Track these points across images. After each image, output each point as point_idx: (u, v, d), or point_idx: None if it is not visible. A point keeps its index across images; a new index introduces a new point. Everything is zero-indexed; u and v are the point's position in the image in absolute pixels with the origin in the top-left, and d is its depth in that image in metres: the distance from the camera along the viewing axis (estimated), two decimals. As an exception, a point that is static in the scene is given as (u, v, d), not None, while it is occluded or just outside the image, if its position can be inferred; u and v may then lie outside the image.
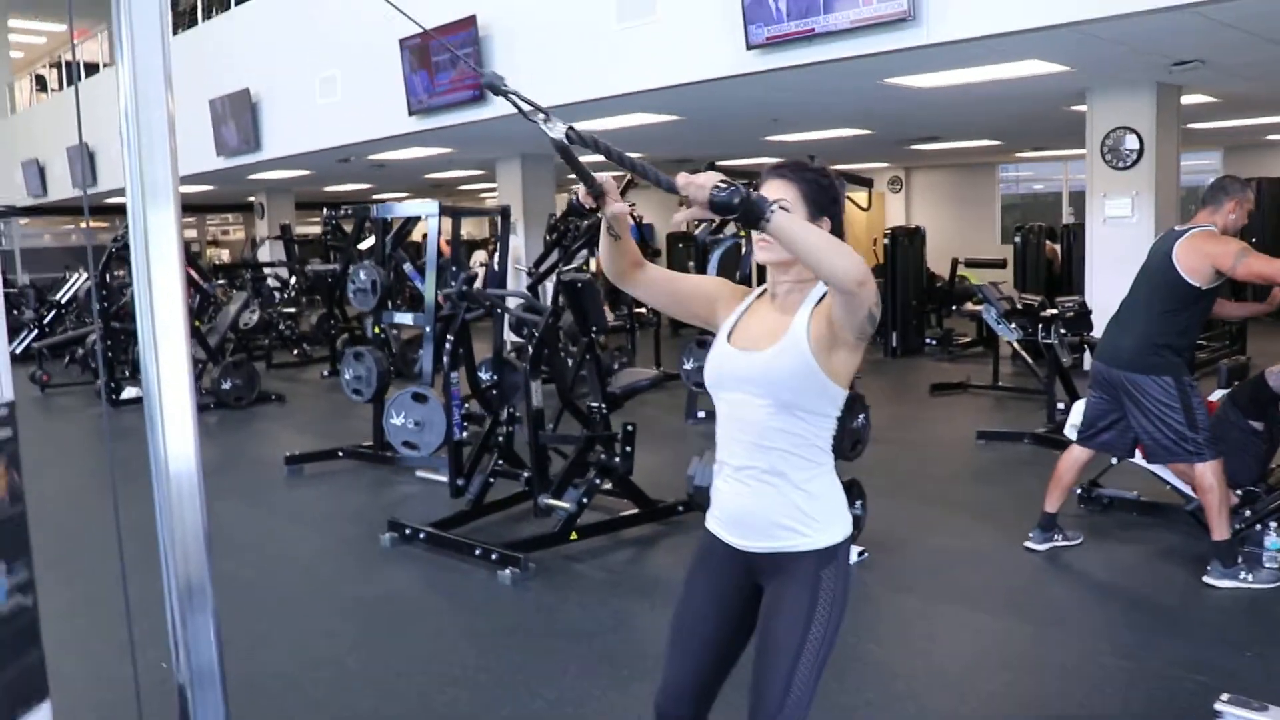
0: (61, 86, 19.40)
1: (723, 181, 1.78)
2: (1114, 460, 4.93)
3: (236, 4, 13.13)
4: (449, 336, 5.80)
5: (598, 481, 5.22)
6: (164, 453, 1.34)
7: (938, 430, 7.91)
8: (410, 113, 9.80)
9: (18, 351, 12.24)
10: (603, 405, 5.42)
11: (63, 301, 13.47)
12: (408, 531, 5.25)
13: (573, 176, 1.88)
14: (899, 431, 7.53)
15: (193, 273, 10.28)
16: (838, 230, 2.13)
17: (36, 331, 12.89)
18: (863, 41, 6.15)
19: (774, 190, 2.11)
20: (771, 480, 2.07)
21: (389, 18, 8.10)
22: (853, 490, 4.70)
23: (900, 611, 4.31)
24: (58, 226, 22.77)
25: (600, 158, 1.82)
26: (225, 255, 22.38)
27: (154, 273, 1.33)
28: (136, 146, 1.31)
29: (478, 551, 4.86)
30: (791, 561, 2.08)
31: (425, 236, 6.78)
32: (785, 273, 2.11)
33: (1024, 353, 8.34)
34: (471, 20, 8.78)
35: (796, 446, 2.06)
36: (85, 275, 13.48)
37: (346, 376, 6.86)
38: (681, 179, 1.81)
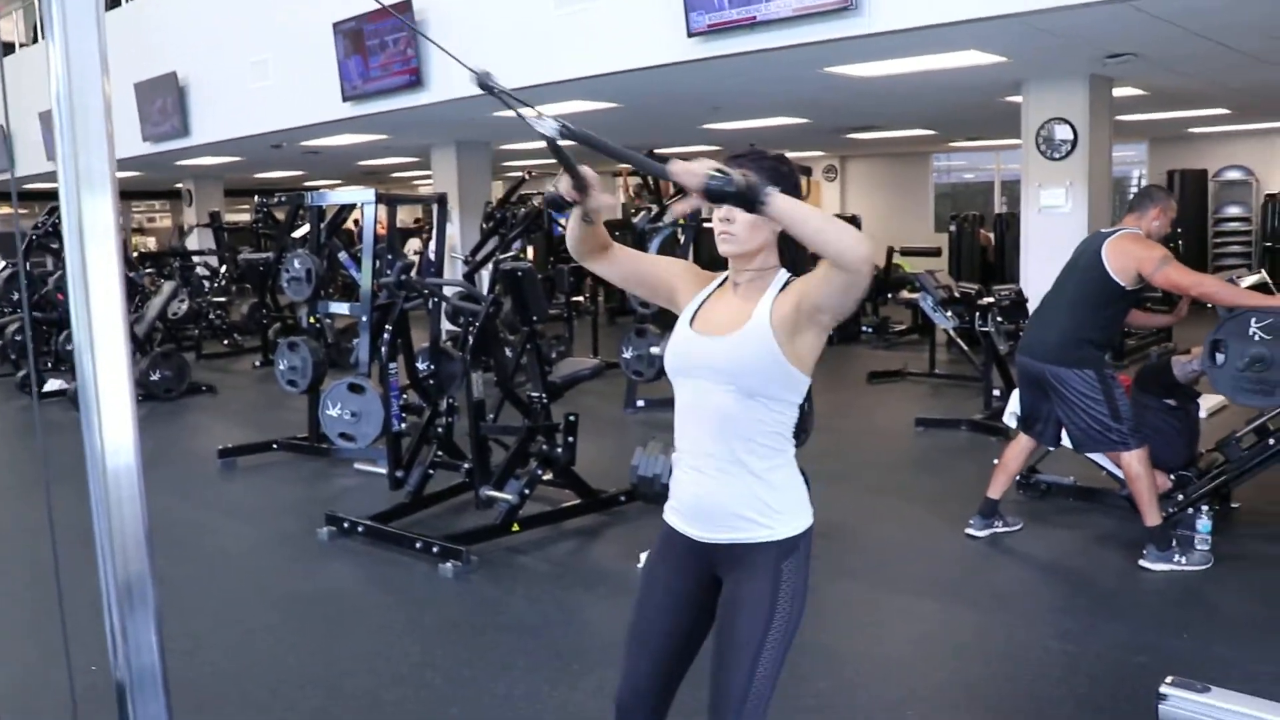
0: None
1: (716, 169, 1.77)
2: (1050, 447, 5.00)
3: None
4: (387, 326, 5.69)
5: (539, 472, 5.17)
6: (101, 447, 1.27)
7: (877, 418, 7.97)
8: (344, 98, 9.62)
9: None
10: (543, 395, 5.36)
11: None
12: (346, 525, 5.14)
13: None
14: (839, 419, 7.57)
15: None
16: None
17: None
18: (804, 30, 6.14)
19: None
20: (732, 469, 2.05)
21: (322, 0, 7.87)
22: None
23: (846, 599, 4.32)
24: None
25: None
26: (152, 243, 21.82)
27: (90, 262, 1.26)
28: (70, 132, 1.24)
29: (418, 544, 4.78)
30: (752, 553, 2.05)
31: (358, 224, 6.66)
32: (749, 263, 2.08)
33: (960, 340, 8.44)
34: (407, 4, 8.62)
35: (758, 434, 2.04)
36: (5, 263, 13.05)
37: (281, 367, 6.71)
38: (676, 167, 1.80)
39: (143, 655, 1.30)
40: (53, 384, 9.67)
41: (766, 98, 9.34)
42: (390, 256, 6.67)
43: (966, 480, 5.61)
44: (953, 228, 11.90)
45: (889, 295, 11.97)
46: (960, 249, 11.75)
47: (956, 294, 7.70)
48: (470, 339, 5.29)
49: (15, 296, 10.03)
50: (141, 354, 9.63)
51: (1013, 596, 4.35)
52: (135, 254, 14.86)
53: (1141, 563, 4.42)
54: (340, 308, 6.87)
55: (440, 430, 5.60)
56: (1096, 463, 5.06)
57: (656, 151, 7.72)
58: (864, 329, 11.70)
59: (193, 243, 16.40)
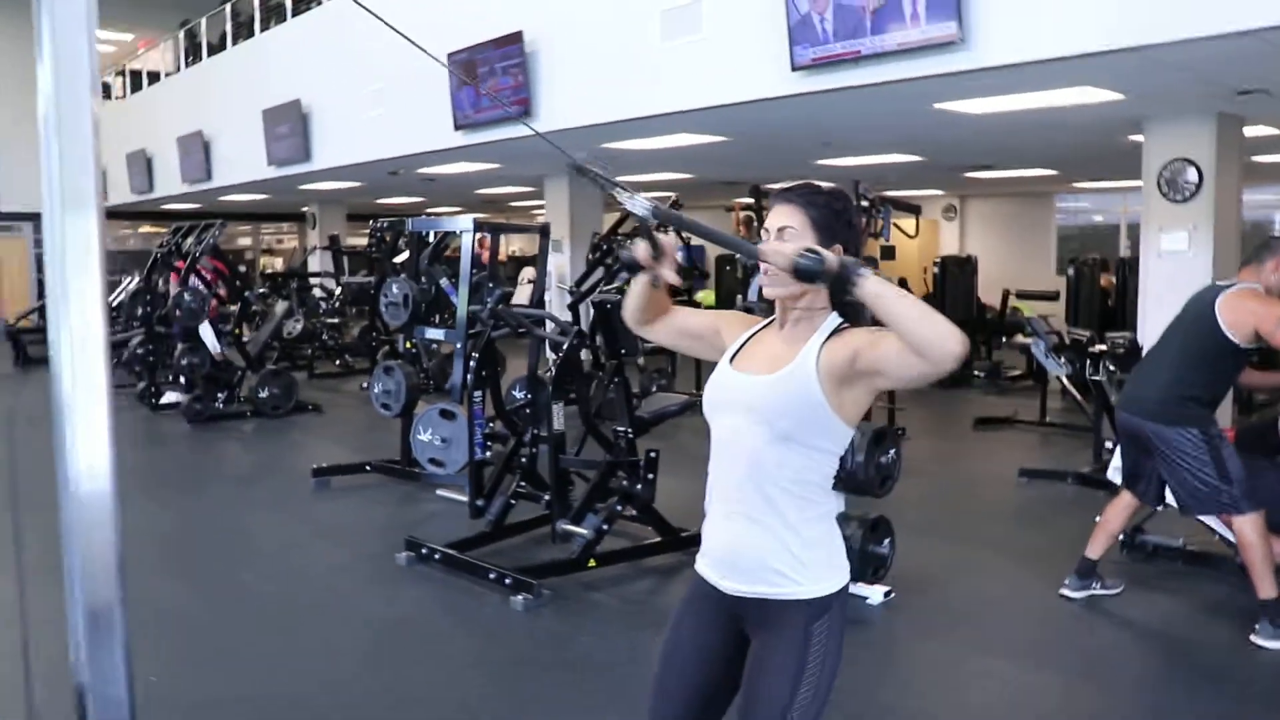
0: (126, 94, 19.70)
1: (808, 249, 1.75)
2: (1155, 507, 4.71)
3: (292, 15, 13.25)
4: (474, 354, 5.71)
5: (619, 508, 5.09)
6: (75, 470, 1.23)
7: (979, 466, 7.68)
8: (456, 127, 9.76)
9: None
10: (629, 430, 5.29)
11: (114, 305, 13.60)
12: (424, 551, 5.14)
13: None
14: (938, 466, 7.32)
15: (211, 275, 10.32)
16: (854, 254, 2.00)
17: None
18: (910, 64, 5.97)
19: (780, 217, 1.99)
20: (763, 518, 1.94)
21: (436, 30, 8.04)
22: (879, 528, 4.53)
23: (924, 658, 4.12)
24: (116, 231, 23.11)
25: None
26: (279, 264, 22.53)
27: (71, 283, 1.23)
28: (57, 152, 1.21)
29: (492, 575, 4.75)
30: (781, 611, 1.93)
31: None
32: (795, 303, 1.99)
33: (1073, 388, 8.09)
34: (518, 36, 8.73)
35: (792, 483, 1.93)
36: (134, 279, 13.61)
37: (376, 390, 6.80)
38: (767, 249, 1.83)
39: (109, 687, 1.25)
40: (170, 397, 10.02)
41: (877, 133, 9.15)
42: (491, 285, 6.73)
43: (1068, 537, 5.31)
44: (1070, 271, 11.44)
45: (1004, 339, 11.60)
46: (1079, 293, 11.30)
47: (1068, 340, 7.38)
48: (555, 370, 5.24)
49: (139, 312, 10.40)
50: (252, 372, 9.91)
51: (1105, 665, 4.08)
52: (260, 274, 15.31)
53: (1253, 638, 4.10)
54: (436, 334, 6.92)
55: (524, 460, 5.57)
56: (1208, 525, 4.74)
57: (763, 188, 7.61)
58: (976, 373, 11.36)
59: (315, 265, 16.89)
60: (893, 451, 4.54)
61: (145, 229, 21.36)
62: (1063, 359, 7.54)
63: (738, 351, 2.07)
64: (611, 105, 8.22)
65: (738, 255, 2.10)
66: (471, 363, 5.70)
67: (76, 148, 1.23)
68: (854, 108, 7.38)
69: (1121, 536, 4.99)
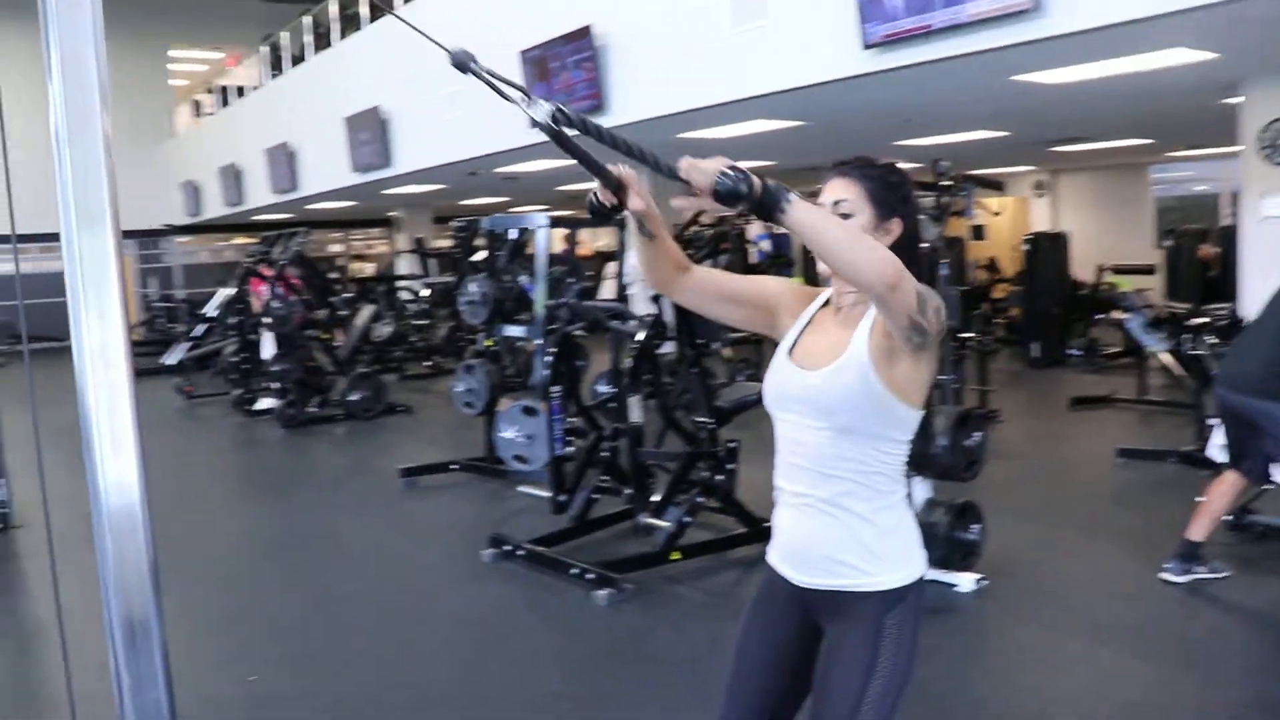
0: (216, 110, 20.27)
1: (730, 167, 1.55)
2: (1261, 486, 4.49)
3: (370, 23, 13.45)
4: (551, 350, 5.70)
5: (700, 499, 5.04)
6: (104, 484, 1.23)
7: (1076, 447, 7.45)
8: (531, 125, 9.79)
9: (172, 363, 12.73)
10: (709, 420, 5.23)
11: (210, 315, 13.96)
12: (508, 548, 5.16)
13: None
14: (1032, 447, 7.12)
15: (294, 284, 10.49)
16: (911, 233, 1.91)
17: (190, 344, 13.32)
18: (984, 36, 5.80)
19: (836, 190, 1.90)
20: (832, 511, 1.86)
21: (508, 29, 8.03)
22: (967, 513, 4.40)
23: (1016, 645, 4.00)
24: (212, 243, 23.80)
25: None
26: (370, 269, 22.94)
27: (90, 298, 1.22)
28: (69, 169, 1.21)
29: (574, 571, 4.74)
30: (854, 603, 1.86)
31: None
32: (849, 284, 1.88)
33: (1172, 364, 7.79)
34: (586, 30, 8.72)
35: (860, 475, 1.85)
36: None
37: (458, 389, 6.85)
38: (685, 163, 1.58)
39: (146, 693, 1.25)
40: (263, 402, 10.25)
41: (956, 110, 8.93)
42: (571, 280, 6.72)
43: (1169, 519, 5.09)
44: (1167, 243, 10.99)
45: (1098, 315, 11.24)
46: (1177, 266, 10.86)
47: (1165, 314, 7.10)
48: (631, 363, 5.20)
49: (232, 320, 10.66)
50: (342, 375, 10.09)
51: (1208, 653, 3.90)
52: (349, 279, 15.59)
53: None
54: (515, 331, 6.93)
55: (606, 454, 5.55)
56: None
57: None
58: (1071, 351, 11.02)
59: (404, 268, 17.17)
60: (978, 435, 4.43)
61: (239, 240, 21.93)
62: (1161, 334, 7.27)
63: (795, 341, 1.97)
64: (685, 94, 8.16)
65: (656, 171, 1.59)
66: (549, 359, 5.69)
67: (88, 163, 1.22)
68: (929, 84, 7.20)
69: (1228, 517, 4.77)
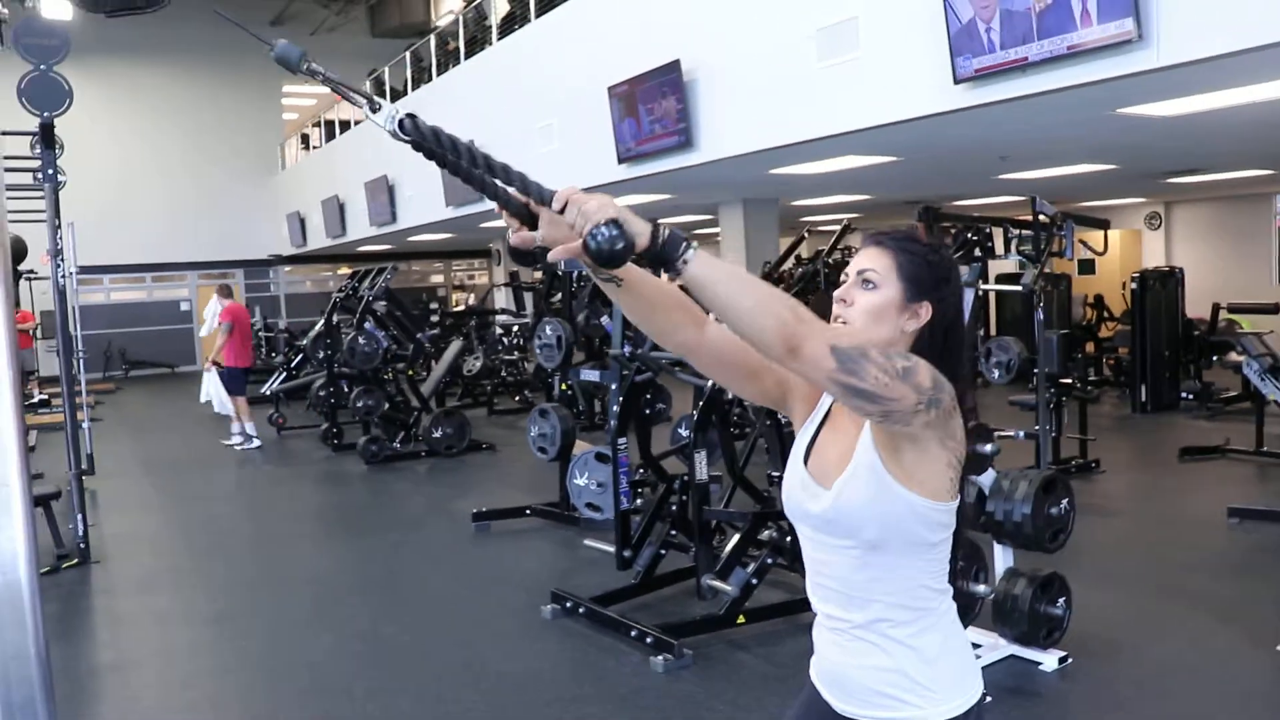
0: (322, 144, 20.73)
1: (610, 221, 1.28)
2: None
3: (465, 58, 13.57)
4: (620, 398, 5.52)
5: (769, 561, 4.78)
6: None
7: (1184, 503, 6.95)
8: (619, 160, 9.69)
9: (267, 393, 12.92)
10: (780, 476, 4.98)
11: (306, 346, 14.15)
12: (569, 604, 4.98)
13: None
14: (1134, 504, 6.67)
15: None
16: (943, 322, 1.64)
17: (284, 374, 13.47)
18: (1083, 69, 5.46)
19: (866, 259, 1.66)
20: (868, 638, 1.64)
21: (597, 63, 7.92)
22: (1052, 586, 4.06)
23: (1106, 738, 3.65)
24: (317, 273, 24.32)
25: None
26: (471, 299, 23.17)
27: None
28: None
29: (634, 633, 4.53)
30: None
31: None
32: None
33: (1294, 414, 7.26)
34: (675, 65, 8.58)
35: (896, 594, 1.62)
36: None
37: (532, 433, 6.71)
38: (562, 195, 1.32)
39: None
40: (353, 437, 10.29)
41: (1058, 143, 8.52)
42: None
43: (1285, 591, 4.69)
44: (1290, 280, 10.28)
45: (1215, 358, 10.62)
46: (1301, 305, 10.16)
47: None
48: (696, 416, 4.98)
49: (321, 355, 10.74)
50: (427, 412, 10.07)
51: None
52: (441, 312, 15.68)
53: None
54: (591, 375, 6.78)
55: (675, 508, 5.33)
56: None
57: (935, 208, 7.07)
58: (1184, 395, 10.42)
59: (500, 301, 17.23)
60: (1065, 502, 4.09)
61: (342, 270, 22.34)
62: (1280, 382, 6.77)
63: (812, 441, 1.71)
64: (773, 131, 7.95)
65: (524, 195, 1.35)
66: (616, 409, 5.52)
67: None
68: (1026, 118, 6.87)
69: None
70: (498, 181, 1.37)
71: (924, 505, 1.57)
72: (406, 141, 1.33)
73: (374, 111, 1.32)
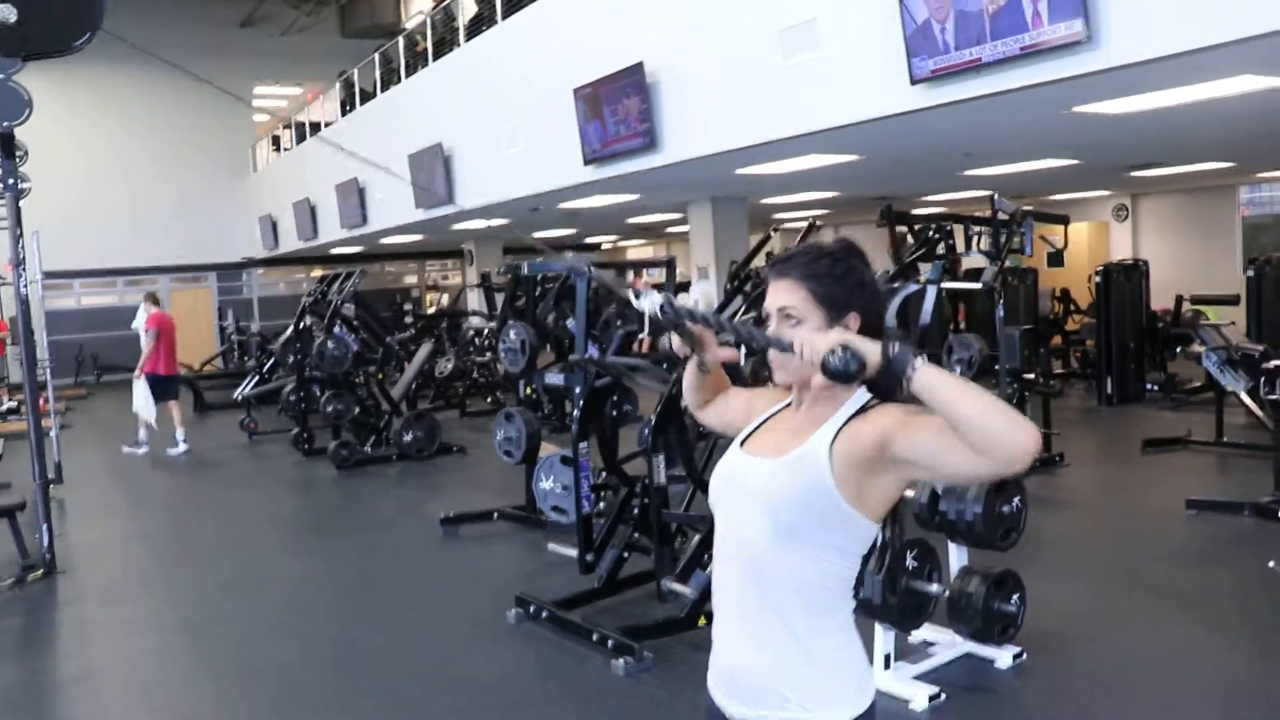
0: (293, 146, 20.63)
1: (843, 344, 1.52)
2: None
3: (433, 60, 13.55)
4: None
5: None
6: None
7: (1143, 496, 7.03)
8: (585, 161, 9.71)
9: (238, 398, 12.85)
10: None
11: (276, 350, 14.09)
12: (533, 609, 5.00)
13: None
14: (1095, 497, 6.75)
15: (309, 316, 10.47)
16: (874, 319, 1.73)
17: (256, 379, 13.39)
18: (1035, 69, 5.52)
19: (780, 295, 1.73)
20: (763, 627, 1.68)
21: (560, 66, 7.93)
22: (1005, 583, 4.11)
23: (1057, 734, 3.70)
24: (290, 276, 24.22)
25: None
26: (445, 299, 23.13)
27: None
28: None
29: (595, 636, 4.56)
30: None
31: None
32: (810, 382, 1.73)
33: (1253, 406, 7.35)
34: (639, 67, 8.61)
35: (799, 586, 1.66)
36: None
37: (498, 437, 6.72)
38: (800, 339, 1.57)
39: None
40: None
41: (1019, 141, 8.60)
42: (620, 323, 6.59)
43: (1241, 582, 4.75)
44: (1250, 271, 10.32)
45: (1178, 349, 10.72)
46: (1261, 295, 10.20)
47: (1236, 355, 6.69)
48: (654, 420, 5.01)
49: (291, 359, 10.69)
50: (397, 415, 10.07)
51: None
52: (413, 314, 15.65)
53: None
54: (554, 379, 6.80)
55: (636, 511, 5.36)
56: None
57: (894, 208, 7.14)
58: (1148, 386, 10.52)
59: (473, 302, 17.19)
60: (1017, 500, 4.15)
61: (315, 272, 22.26)
62: (1239, 373, 6.86)
63: (753, 432, 1.83)
64: (735, 132, 7.99)
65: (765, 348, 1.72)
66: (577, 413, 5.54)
67: None
68: (985, 118, 6.94)
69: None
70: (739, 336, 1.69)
71: (855, 519, 1.64)
72: (665, 324, 1.71)
73: (636, 298, 1.65)
